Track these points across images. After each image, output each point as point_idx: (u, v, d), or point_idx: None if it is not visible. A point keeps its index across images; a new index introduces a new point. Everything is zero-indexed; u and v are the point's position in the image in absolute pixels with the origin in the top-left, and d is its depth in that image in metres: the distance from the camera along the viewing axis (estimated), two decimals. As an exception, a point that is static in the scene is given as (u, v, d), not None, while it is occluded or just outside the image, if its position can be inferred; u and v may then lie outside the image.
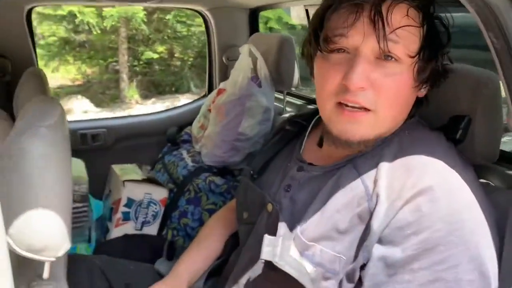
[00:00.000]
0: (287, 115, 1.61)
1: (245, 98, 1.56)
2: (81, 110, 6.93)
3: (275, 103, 1.71)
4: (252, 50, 1.61)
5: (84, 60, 8.06)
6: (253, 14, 1.98)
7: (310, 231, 0.79)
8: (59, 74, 7.90)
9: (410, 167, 0.74)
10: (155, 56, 7.68)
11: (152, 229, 1.55)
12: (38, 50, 7.29)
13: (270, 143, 1.09)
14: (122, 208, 1.50)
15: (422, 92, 0.83)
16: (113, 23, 6.89)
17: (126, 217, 1.51)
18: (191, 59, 7.73)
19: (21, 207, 0.60)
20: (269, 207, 0.90)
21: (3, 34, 1.62)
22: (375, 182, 0.76)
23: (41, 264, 0.70)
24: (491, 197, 0.81)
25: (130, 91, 7.52)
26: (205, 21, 1.99)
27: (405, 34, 0.74)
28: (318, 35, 0.81)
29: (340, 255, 0.76)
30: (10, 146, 0.60)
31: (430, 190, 0.70)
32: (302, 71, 1.59)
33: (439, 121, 0.89)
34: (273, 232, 0.83)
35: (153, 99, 7.60)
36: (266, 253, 0.80)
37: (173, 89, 7.86)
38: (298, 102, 1.81)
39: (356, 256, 0.74)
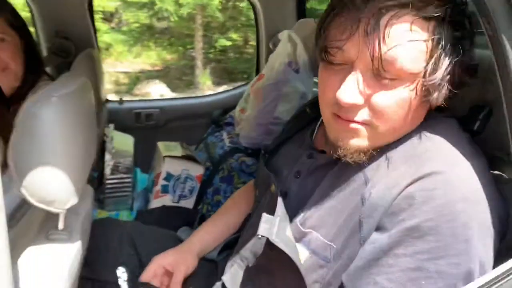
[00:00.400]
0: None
1: (282, 83, 1.60)
2: (157, 95, 7.21)
3: (316, 89, 1.72)
4: (292, 36, 1.65)
5: (165, 46, 8.45)
6: (301, 0, 2.00)
7: (312, 218, 0.81)
8: (141, 60, 8.36)
9: (412, 155, 0.73)
10: (229, 43, 7.86)
11: (188, 203, 1.66)
12: (121, 36, 7.73)
13: (289, 125, 1.12)
14: (161, 181, 1.63)
15: (438, 101, 0.74)
16: (189, 11, 7.14)
17: (165, 190, 1.64)
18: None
19: (32, 164, 0.71)
20: (273, 188, 0.92)
21: (68, 19, 1.80)
22: (376, 171, 0.75)
23: (58, 218, 0.82)
24: (504, 188, 0.77)
25: (203, 77, 7.75)
26: (254, 8, 2.05)
27: (406, 51, 0.67)
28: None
29: (331, 244, 0.76)
30: (25, 112, 0.71)
31: (427, 178, 0.68)
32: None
33: (454, 109, 0.87)
34: (273, 212, 0.84)
35: (224, 86, 7.75)
36: (263, 229, 0.81)
37: (245, 76, 7.98)
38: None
39: (351, 247, 0.74)
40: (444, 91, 0.72)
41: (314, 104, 1.09)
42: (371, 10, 0.67)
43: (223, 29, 8.00)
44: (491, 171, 0.81)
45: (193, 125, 2.12)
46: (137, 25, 8.11)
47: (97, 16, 6.69)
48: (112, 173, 1.58)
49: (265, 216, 0.83)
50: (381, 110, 0.71)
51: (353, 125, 0.74)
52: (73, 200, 0.77)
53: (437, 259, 0.65)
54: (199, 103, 2.18)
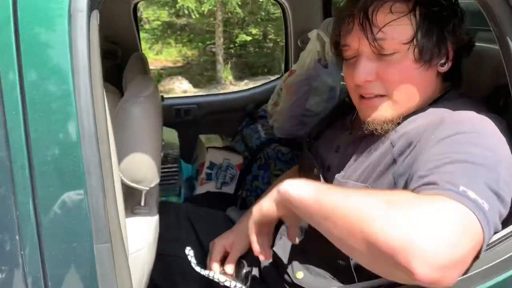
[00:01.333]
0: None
1: (312, 78, 1.75)
2: (180, 91, 7.35)
3: (343, 83, 1.87)
4: (320, 35, 1.80)
5: (185, 43, 8.61)
6: (327, 0, 2.14)
7: (351, 176, 0.94)
8: (162, 57, 8.54)
9: (435, 120, 0.82)
10: (249, 38, 7.98)
11: (229, 189, 1.84)
12: (143, 34, 7.85)
13: (331, 113, 1.28)
14: (205, 170, 1.81)
15: (443, 68, 0.91)
16: (210, 7, 7.28)
17: (208, 178, 1.82)
18: (284, 40, 7.85)
19: (127, 151, 0.89)
20: (315, 170, 1.07)
21: (115, 25, 1.98)
22: (400, 137, 0.86)
23: (139, 195, 1.00)
24: None
25: (225, 72, 7.88)
26: (282, 8, 2.20)
27: (392, 29, 0.86)
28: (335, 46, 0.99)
29: (366, 185, 0.88)
30: (120, 110, 0.89)
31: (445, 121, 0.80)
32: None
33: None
34: None
35: (246, 81, 7.84)
36: None
37: (265, 70, 8.08)
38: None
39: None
40: (444, 56, 0.89)
41: None
42: (360, 5, 0.87)
43: (243, 24, 8.13)
44: None
45: (227, 119, 2.29)
46: (158, 23, 8.29)
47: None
48: (162, 163, 1.76)
49: None
50: (388, 79, 0.88)
51: (374, 100, 0.90)
52: (156, 180, 0.95)
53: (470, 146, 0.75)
54: (232, 99, 2.35)
